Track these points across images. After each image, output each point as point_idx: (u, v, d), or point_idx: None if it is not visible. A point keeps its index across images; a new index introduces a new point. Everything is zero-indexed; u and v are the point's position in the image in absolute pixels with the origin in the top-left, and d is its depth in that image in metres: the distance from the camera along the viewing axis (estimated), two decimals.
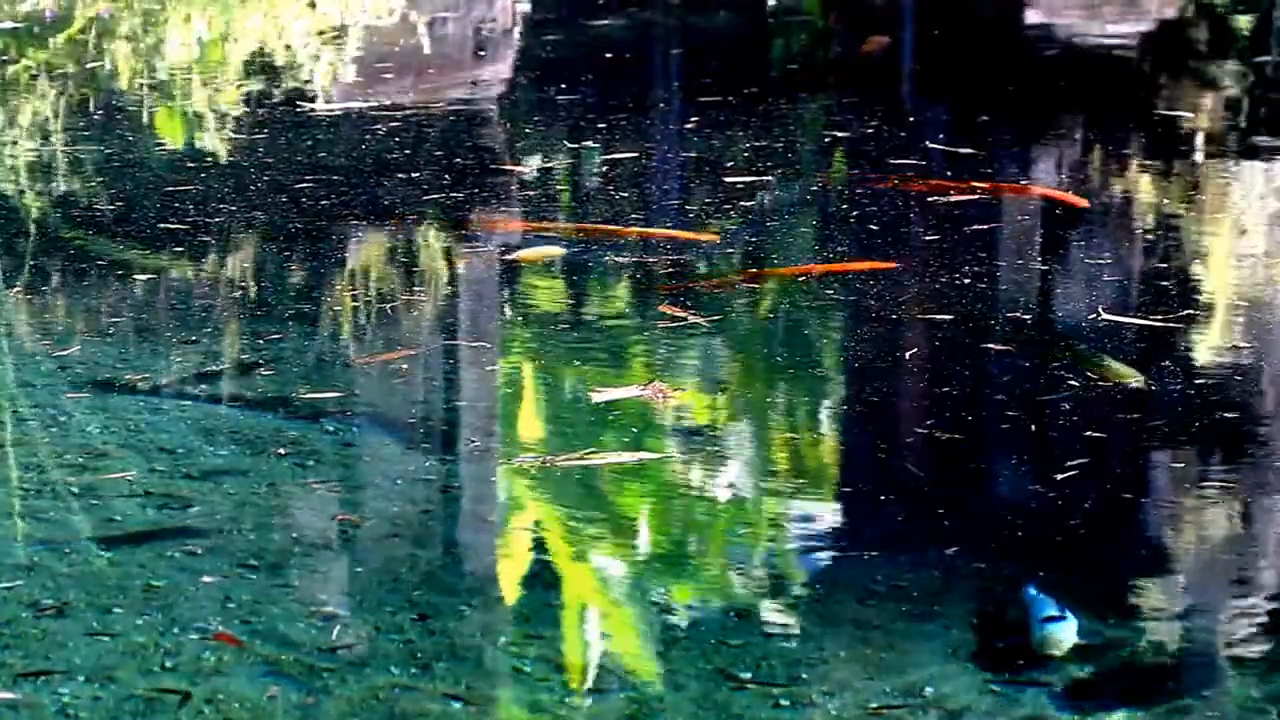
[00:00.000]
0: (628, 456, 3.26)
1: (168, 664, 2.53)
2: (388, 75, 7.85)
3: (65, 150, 6.13)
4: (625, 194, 5.38)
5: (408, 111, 6.83)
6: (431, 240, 4.88)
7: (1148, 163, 5.70)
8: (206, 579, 2.78)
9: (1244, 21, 9.35)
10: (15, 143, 6.30)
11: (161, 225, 4.99)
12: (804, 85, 7.86)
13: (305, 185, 5.42)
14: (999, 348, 3.84)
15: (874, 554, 2.87)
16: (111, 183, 5.57)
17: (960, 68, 8.14)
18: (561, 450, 3.31)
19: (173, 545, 2.90)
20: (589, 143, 6.16)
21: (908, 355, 3.81)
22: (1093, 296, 4.19)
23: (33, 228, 5.06)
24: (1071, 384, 3.58)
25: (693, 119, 6.59)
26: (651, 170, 5.76)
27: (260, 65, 8.05)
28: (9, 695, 2.45)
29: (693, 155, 5.88)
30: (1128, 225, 4.97)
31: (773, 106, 6.89)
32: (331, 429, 3.41)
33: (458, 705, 2.43)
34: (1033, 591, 2.55)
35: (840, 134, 6.23)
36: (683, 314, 4.12)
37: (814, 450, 3.38)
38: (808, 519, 3.05)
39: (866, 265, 4.41)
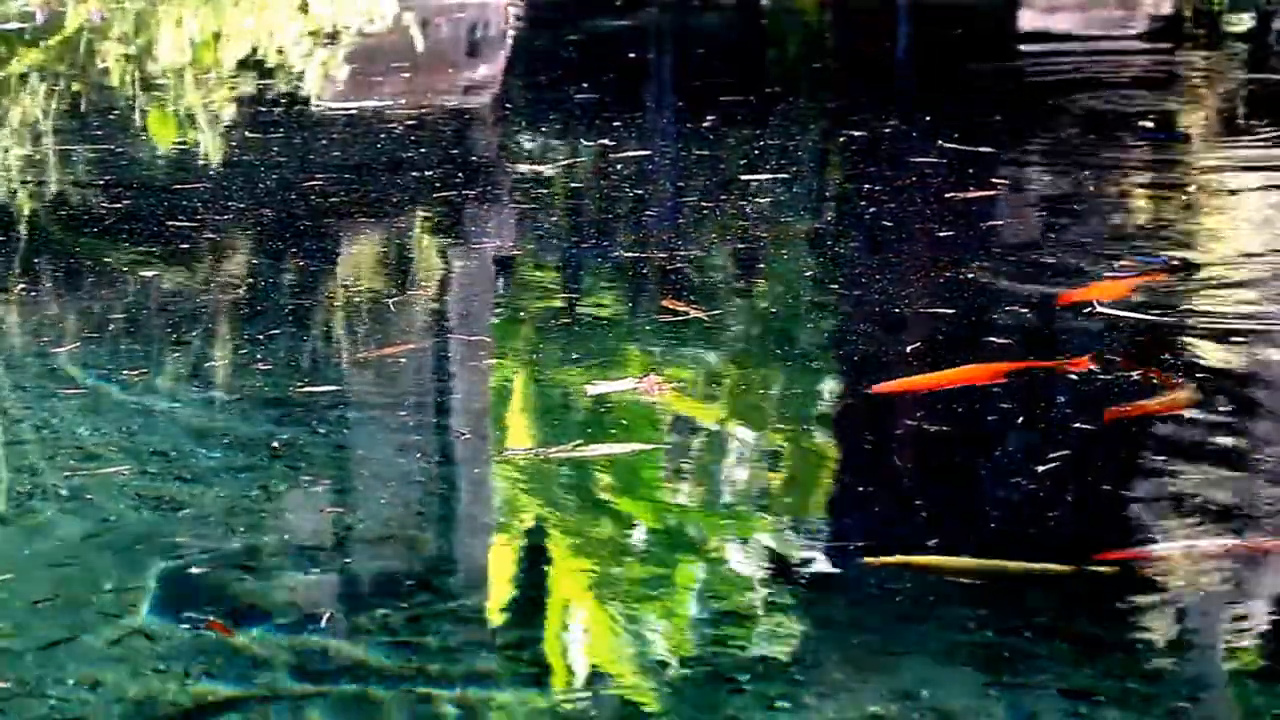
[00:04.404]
0: (620, 449, 3.25)
1: (160, 666, 2.51)
2: (382, 76, 7.83)
3: (63, 151, 6.12)
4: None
5: (406, 112, 6.82)
6: (430, 238, 4.87)
7: None
8: (198, 580, 2.77)
9: (1240, 22, 9.35)
10: (13, 144, 6.28)
11: (169, 223, 4.99)
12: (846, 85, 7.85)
13: (310, 185, 5.42)
14: None
15: (871, 553, 2.85)
16: (114, 183, 5.56)
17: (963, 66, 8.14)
18: (555, 443, 3.30)
19: (166, 547, 2.89)
20: (605, 141, 6.16)
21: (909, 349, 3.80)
22: None
23: (35, 228, 5.05)
24: None
25: (710, 118, 6.59)
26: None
27: (257, 67, 8.04)
28: (2, 685, 2.45)
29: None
30: None
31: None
32: (326, 428, 3.40)
33: (450, 708, 2.41)
34: None
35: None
36: (684, 308, 4.12)
37: (812, 446, 3.36)
38: (804, 516, 3.03)
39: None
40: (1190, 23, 9.53)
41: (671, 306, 4.15)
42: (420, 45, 8.87)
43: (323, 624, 2.63)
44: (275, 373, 3.71)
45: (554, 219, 5.14)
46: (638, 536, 2.97)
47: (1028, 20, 9.71)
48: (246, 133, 6.43)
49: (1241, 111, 6.81)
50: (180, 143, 6.33)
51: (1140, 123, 6.48)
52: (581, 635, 2.64)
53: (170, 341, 3.95)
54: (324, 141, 6.22)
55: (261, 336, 3.96)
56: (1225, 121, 6.56)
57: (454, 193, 5.36)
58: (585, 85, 7.54)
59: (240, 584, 2.77)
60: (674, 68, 8.48)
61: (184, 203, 5.25)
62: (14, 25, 9.15)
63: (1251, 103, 7.01)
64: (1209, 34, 9.26)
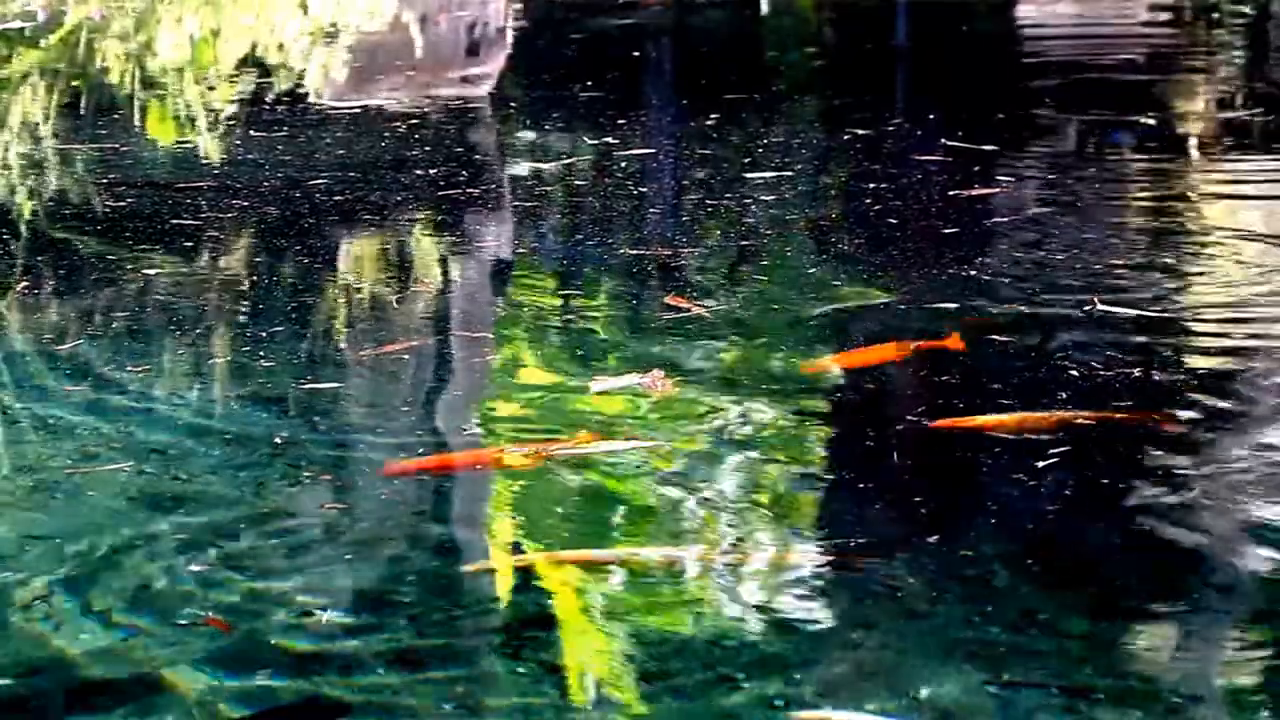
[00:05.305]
0: (622, 446, 3.25)
1: (156, 664, 2.51)
2: (384, 74, 7.84)
3: (65, 150, 6.12)
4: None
5: (408, 110, 6.83)
6: (433, 236, 4.88)
7: None
8: (197, 579, 2.77)
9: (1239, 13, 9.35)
10: (15, 143, 6.29)
11: (173, 221, 4.99)
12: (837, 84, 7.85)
13: (313, 183, 5.42)
14: None
15: (872, 552, 2.85)
16: (117, 182, 5.56)
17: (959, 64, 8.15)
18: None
19: (165, 543, 2.89)
20: (608, 139, 6.16)
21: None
22: None
23: (37, 227, 5.05)
24: None
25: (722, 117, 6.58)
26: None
27: (258, 65, 8.04)
28: (4, 681, 2.45)
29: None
30: None
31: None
32: (326, 424, 3.40)
33: (449, 707, 2.41)
34: None
35: None
36: (687, 305, 4.13)
37: (813, 444, 3.36)
38: (804, 514, 3.03)
39: None
40: (1190, 16, 9.53)
41: (674, 303, 4.15)
42: (421, 43, 8.87)
43: (323, 622, 2.63)
44: (277, 370, 3.72)
45: (557, 216, 5.14)
46: (637, 535, 2.97)
47: (1026, 17, 9.70)
48: (251, 131, 6.43)
49: (1233, 117, 6.80)
50: (182, 141, 6.34)
51: (1142, 120, 6.48)
52: (583, 633, 2.64)
53: (173, 338, 3.95)
54: (327, 140, 6.22)
55: (264, 334, 3.97)
56: (1209, 132, 6.55)
57: (457, 190, 5.37)
58: (588, 83, 7.54)
59: (239, 582, 2.77)
60: (676, 66, 8.48)
61: (187, 201, 5.26)
62: (15, 24, 9.16)
63: (1245, 105, 7.01)
64: (1209, 27, 9.25)
